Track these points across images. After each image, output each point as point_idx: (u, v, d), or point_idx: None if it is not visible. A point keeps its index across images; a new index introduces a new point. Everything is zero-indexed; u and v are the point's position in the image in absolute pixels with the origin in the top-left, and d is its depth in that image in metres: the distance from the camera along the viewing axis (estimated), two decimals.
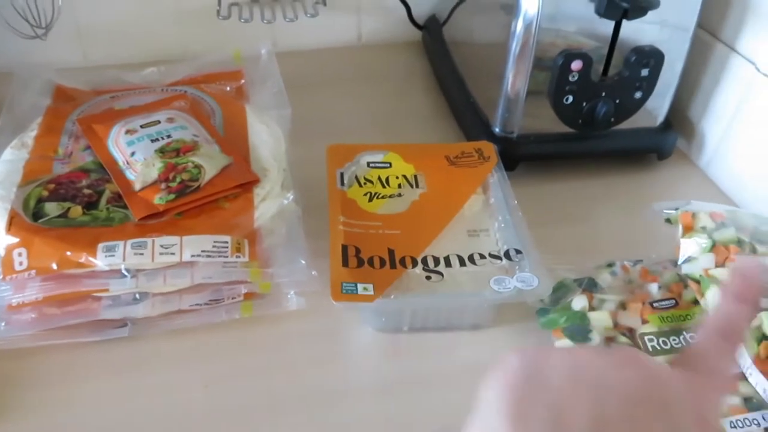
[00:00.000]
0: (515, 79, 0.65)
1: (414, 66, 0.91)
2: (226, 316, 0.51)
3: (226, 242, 0.51)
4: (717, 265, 0.47)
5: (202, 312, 0.51)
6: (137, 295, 0.50)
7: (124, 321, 0.50)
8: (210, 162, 0.56)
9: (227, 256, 0.51)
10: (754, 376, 0.41)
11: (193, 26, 0.85)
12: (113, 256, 0.48)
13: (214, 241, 0.51)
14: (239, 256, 0.51)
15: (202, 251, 0.50)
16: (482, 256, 0.52)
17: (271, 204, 0.55)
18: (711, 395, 0.26)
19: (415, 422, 0.48)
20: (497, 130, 0.69)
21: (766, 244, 0.47)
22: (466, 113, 0.76)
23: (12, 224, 0.50)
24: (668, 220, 0.52)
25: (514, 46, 0.64)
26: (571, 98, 0.65)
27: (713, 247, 0.47)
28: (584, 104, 0.65)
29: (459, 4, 0.80)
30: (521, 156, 0.69)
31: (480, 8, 0.75)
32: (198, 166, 0.55)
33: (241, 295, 0.52)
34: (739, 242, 0.47)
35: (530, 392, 0.24)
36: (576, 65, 0.63)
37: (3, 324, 0.47)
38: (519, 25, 0.62)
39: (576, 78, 0.63)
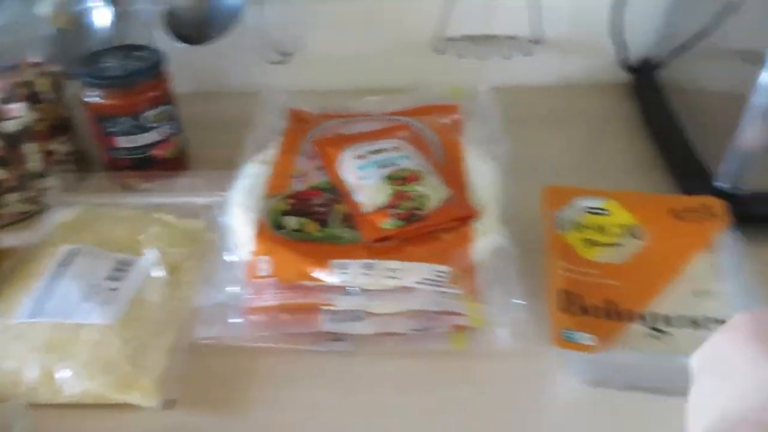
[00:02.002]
0: (754, 133, 0.61)
1: (622, 110, 0.88)
2: (437, 345, 0.53)
3: (445, 272, 0.53)
4: None
5: (414, 337, 0.53)
6: (359, 314, 0.52)
7: (342, 336, 0.53)
8: (433, 192, 0.58)
9: (445, 287, 0.52)
10: None
11: (410, 59, 0.89)
12: (346, 273, 0.51)
13: (436, 271, 0.52)
14: (456, 288, 0.52)
15: (424, 278, 0.52)
16: (711, 321, 0.49)
17: (488, 240, 0.56)
18: None
19: None
20: (722, 184, 0.65)
21: None
22: (683, 164, 0.72)
23: (260, 233, 0.55)
24: None
25: (758, 99, 0.60)
26: None
27: None
28: None
29: (684, 48, 0.77)
30: (749, 215, 0.64)
31: (711, 54, 0.71)
32: (423, 196, 0.57)
33: (452, 327, 0.53)
34: None
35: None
36: None
37: (245, 322, 0.52)
38: (766, 78, 0.58)
39: None
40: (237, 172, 0.64)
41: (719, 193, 0.64)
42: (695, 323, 0.49)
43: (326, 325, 0.53)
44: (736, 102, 0.62)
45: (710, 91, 0.72)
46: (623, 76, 0.92)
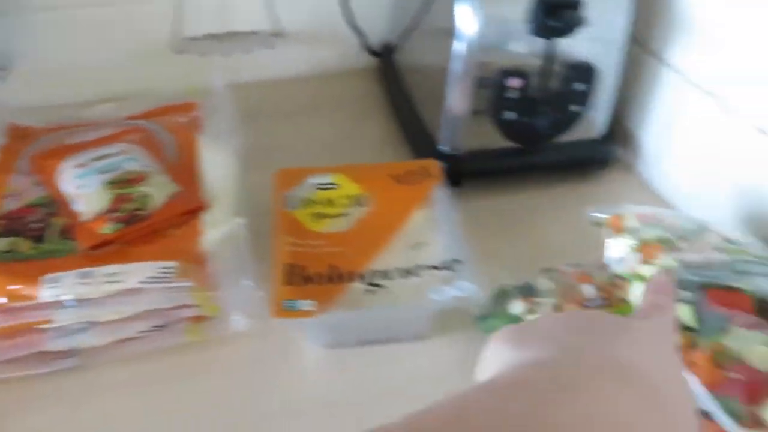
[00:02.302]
0: (458, 98, 0.68)
1: (369, 92, 0.93)
2: (173, 340, 0.53)
3: (172, 268, 0.52)
4: (642, 263, 0.48)
5: (149, 338, 0.52)
6: (84, 325, 0.50)
7: (72, 351, 0.51)
8: (158, 191, 0.57)
9: (173, 281, 0.52)
10: None
11: (150, 61, 0.87)
12: (56, 287, 0.49)
13: (160, 267, 0.52)
14: (186, 281, 0.52)
15: (147, 277, 0.51)
16: (423, 268, 0.54)
17: (219, 230, 0.57)
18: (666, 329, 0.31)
19: None
20: (444, 148, 0.71)
21: (688, 241, 0.49)
22: (416, 134, 0.78)
23: None
24: (598, 224, 0.53)
25: (455, 67, 0.66)
26: (511, 114, 0.67)
27: (639, 247, 0.49)
28: (524, 119, 0.68)
29: (408, 31, 0.83)
30: (467, 172, 0.71)
31: (426, 33, 0.78)
32: (146, 195, 0.56)
33: (188, 319, 0.53)
34: (664, 240, 0.49)
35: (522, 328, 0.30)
36: (514, 82, 0.65)
37: None
38: (458, 47, 0.65)
39: (515, 95, 0.66)
40: None
41: (442, 156, 0.71)
42: (409, 273, 0.53)
43: (50, 343, 0.50)
44: (443, 73, 0.68)
45: (430, 67, 0.78)
46: (371, 61, 0.97)
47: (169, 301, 0.52)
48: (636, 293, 0.47)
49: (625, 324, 0.29)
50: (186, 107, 0.75)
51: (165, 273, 0.52)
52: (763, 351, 0.40)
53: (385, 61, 0.94)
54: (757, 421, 0.38)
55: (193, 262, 0.54)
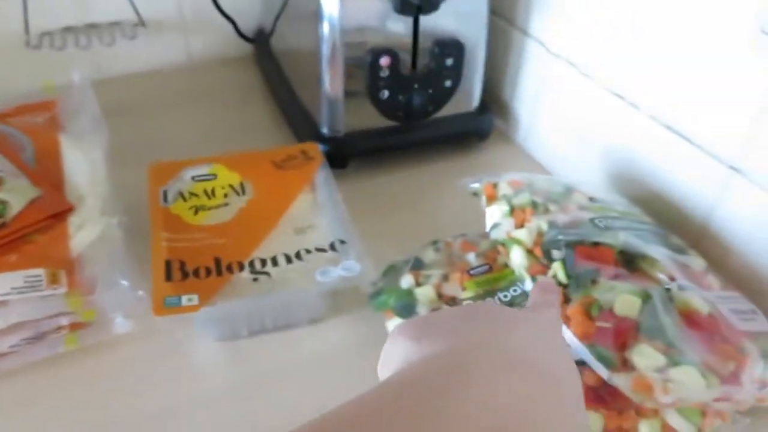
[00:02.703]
0: (332, 80, 0.67)
1: (246, 80, 0.91)
2: (50, 351, 0.49)
3: (39, 275, 0.49)
4: (516, 227, 0.51)
5: (23, 351, 0.49)
6: None
7: None
8: (16, 196, 0.53)
9: (42, 290, 0.49)
10: None
11: (0, 59, 0.81)
12: None
13: (26, 276, 0.48)
14: (57, 288, 0.49)
15: (12, 288, 0.48)
16: (309, 251, 0.54)
17: (89, 231, 0.54)
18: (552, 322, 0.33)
19: (270, 421, 0.47)
20: (325, 131, 0.71)
21: (557, 203, 0.52)
22: (296, 119, 0.77)
23: None
24: (475, 194, 0.55)
25: (325, 50, 0.66)
26: (386, 93, 0.68)
27: (512, 212, 0.51)
28: (400, 97, 0.69)
29: (279, 16, 0.81)
30: (350, 153, 0.71)
31: (295, 17, 0.77)
32: (2, 202, 0.52)
33: (65, 327, 0.50)
34: (534, 204, 0.52)
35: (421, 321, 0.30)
36: (384, 61, 0.66)
37: None
38: (325, 30, 0.65)
39: (387, 73, 0.67)
40: None
41: (324, 139, 0.70)
42: (295, 257, 0.53)
43: None
44: (315, 56, 0.67)
45: (302, 51, 0.77)
46: (247, 48, 0.95)
47: (40, 312, 0.48)
48: (514, 257, 0.49)
49: (518, 317, 0.29)
50: (43, 106, 0.69)
51: (32, 282, 0.48)
52: (627, 299, 0.43)
53: (260, 47, 0.92)
54: (626, 365, 0.41)
55: (63, 267, 0.51)
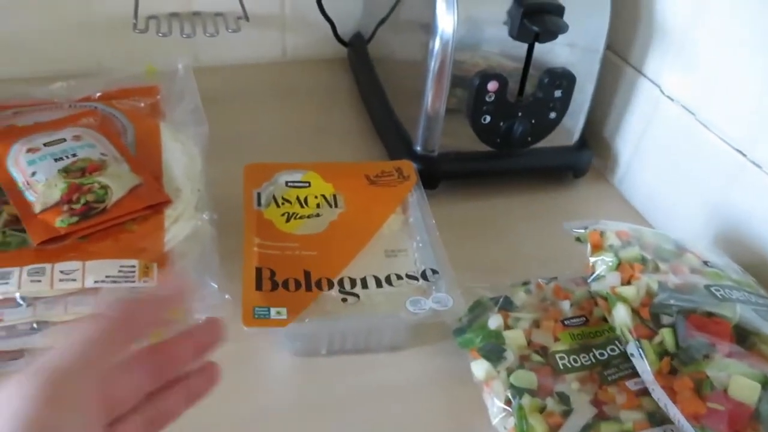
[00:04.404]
0: (434, 98, 0.66)
1: (339, 83, 0.90)
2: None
3: (133, 266, 0.49)
4: (623, 283, 0.48)
5: None
6: (35, 325, 0.47)
7: (21, 353, 0.47)
8: (118, 182, 0.53)
9: (134, 281, 0.48)
10: (656, 392, 0.42)
11: (109, 40, 0.82)
12: (6, 284, 0.45)
13: (120, 266, 0.48)
14: (148, 281, 0.49)
15: (106, 277, 0.48)
16: (399, 277, 0.52)
17: (183, 226, 0.53)
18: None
19: None
20: (418, 148, 0.69)
21: (667, 262, 0.49)
22: (389, 131, 0.76)
23: None
24: (578, 239, 0.53)
25: (433, 65, 0.64)
26: (488, 118, 0.66)
27: (619, 266, 0.49)
28: (501, 124, 0.67)
29: (382, 22, 0.80)
30: (442, 174, 0.69)
31: (401, 27, 0.76)
32: (104, 187, 0.52)
33: None
34: (643, 260, 0.49)
35: None
36: (492, 86, 0.64)
37: None
38: (436, 45, 0.63)
39: (492, 98, 0.65)
40: None
41: (416, 156, 0.69)
42: (385, 282, 0.52)
43: None
44: (421, 70, 0.66)
45: (403, 62, 0.76)
46: (341, 50, 0.94)
47: None
48: (617, 315, 0.46)
49: None
50: (146, 91, 0.70)
51: (126, 272, 0.48)
52: (744, 382, 0.40)
53: (355, 52, 0.91)
54: None
55: (156, 260, 0.51)
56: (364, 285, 0.51)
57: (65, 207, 0.50)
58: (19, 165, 0.54)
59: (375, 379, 0.52)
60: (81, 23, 0.81)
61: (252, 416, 0.48)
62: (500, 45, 0.64)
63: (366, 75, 0.86)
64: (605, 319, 0.49)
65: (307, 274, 0.51)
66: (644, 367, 0.43)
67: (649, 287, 0.46)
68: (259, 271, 0.50)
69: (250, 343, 0.52)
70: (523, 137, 0.68)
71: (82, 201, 0.51)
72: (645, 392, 0.44)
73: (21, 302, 0.46)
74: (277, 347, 0.53)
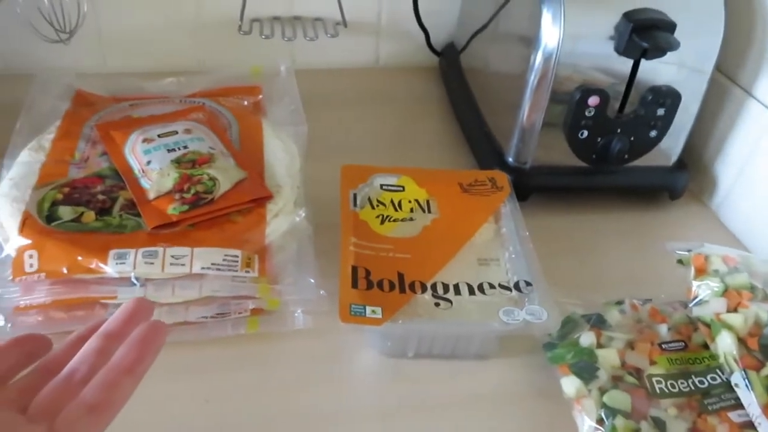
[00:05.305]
0: (531, 110, 0.66)
1: (429, 91, 0.91)
2: (232, 330, 0.51)
3: (237, 256, 0.51)
4: (729, 310, 0.46)
5: (207, 325, 0.51)
6: None
7: None
8: (225, 175, 0.56)
9: (237, 271, 0.51)
10: (763, 426, 0.40)
11: (214, 39, 0.86)
12: (124, 263, 0.48)
13: (225, 255, 0.51)
14: (249, 271, 0.51)
15: (212, 264, 0.50)
16: (492, 286, 0.52)
17: (283, 221, 0.55)
18: None
19: None
20: (510, 159, 0.69)
21: None
22: (480, 141, 0.76)
23: (25, 226, 0.50)
24: (680, 261, 0.51)
25: (532, 79, 0.64)
26: (586, 133, 0.65)
27: (725, 292, 0.47)
28: (599, 139, 0.66)
29: (477, 33, 0.81)
30: (534, 187, 0.69)
31: (498, 38, 0.76)
32: (213, 179, 0.55)
33: (248, 311, 0.52)
34: (752, 288, 0.47)
35: None
36: (593, 101, 0.63)
37: (9, 326, 0.47)
38: (538, 58, 0.63)
39: (592, 113, 0.64)
40: (7, 161, 0.58)
41: (508, 168, 0.69)
42: (477, 290, 0.52)
43: None
44: (518, 83, 0.66)
45: (499, 73, 0.76)
46: (433, 59, 0.95)
47: (231, 290, 0.50)
48: (722, 343, 0.45)
49: None
50: (249, 90, 0.73)
51: (229, 261, 0.50)
52: None
53: (447, 61, 0.92)
54: None
55: (257, 252, 0.52)
56: (457, 291, 0.51)
57: (177, 195, 0.53)
58: (136, 153, 0.57)
59: (461, 387, 0.52)
60: (191, 24, 0.85)
61: (331, 410, 0.49)
62: (602, 60, 0.63)
63: (457, 84, 0.86)
64: (706, 346, 0.48)
65: (400, 276, 0.52)
66: (751, 399, 0.41)
67: (758, 317, 0.45)
68: (355, 269, 0.51)
69: (340, 340, 0.53)
70: (621, 154, 0.66)
71: (192, 191, 0.53)
72: (749, 425, 0.42)
73: (135, 282, 0.48)
74: (365, 346, 0.54)
